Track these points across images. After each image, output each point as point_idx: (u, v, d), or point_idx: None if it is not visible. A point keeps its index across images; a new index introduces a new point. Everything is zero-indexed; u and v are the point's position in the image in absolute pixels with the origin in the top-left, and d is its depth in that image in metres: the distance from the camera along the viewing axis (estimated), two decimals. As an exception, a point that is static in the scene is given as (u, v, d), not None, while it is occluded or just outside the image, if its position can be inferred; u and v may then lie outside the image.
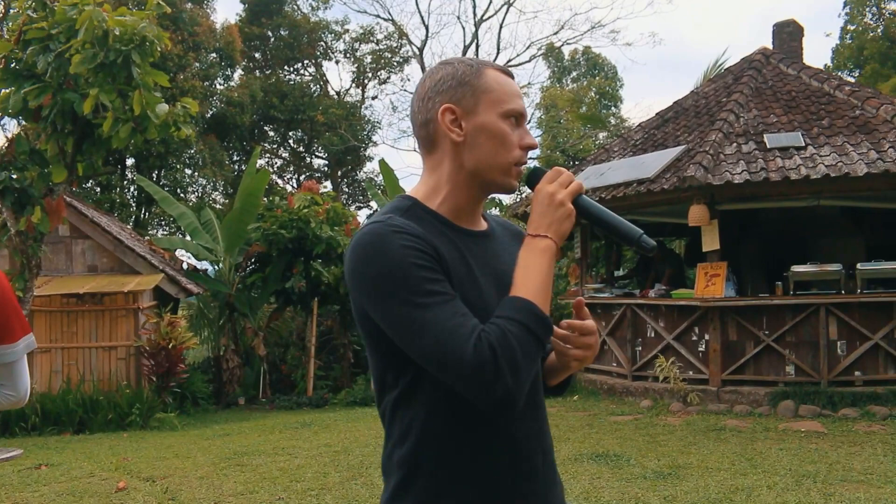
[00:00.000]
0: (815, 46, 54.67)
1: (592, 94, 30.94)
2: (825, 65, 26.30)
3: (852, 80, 20.64)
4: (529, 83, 29.67)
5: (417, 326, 1.36)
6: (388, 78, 28.61)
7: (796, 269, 8.96)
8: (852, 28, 27.52)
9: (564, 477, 6.08)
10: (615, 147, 12.30)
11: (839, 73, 23.57)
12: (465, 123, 1.52)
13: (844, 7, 27.71)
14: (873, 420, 7.85)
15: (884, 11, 27.47)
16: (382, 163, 17.31)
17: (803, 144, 9.23)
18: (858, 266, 8.90)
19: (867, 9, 27.53)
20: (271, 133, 26.88)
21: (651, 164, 9.96)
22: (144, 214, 22.78)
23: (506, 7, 29.43)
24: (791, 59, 12.08)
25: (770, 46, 12.71)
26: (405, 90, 47.85)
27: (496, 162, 1.53)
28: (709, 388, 9.07)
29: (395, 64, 28.26)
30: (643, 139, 11.68)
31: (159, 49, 8.35)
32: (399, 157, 49.49)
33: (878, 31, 27.07)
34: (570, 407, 9.86)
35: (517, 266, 1.47)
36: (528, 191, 2.24)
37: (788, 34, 12.89)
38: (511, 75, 1.59)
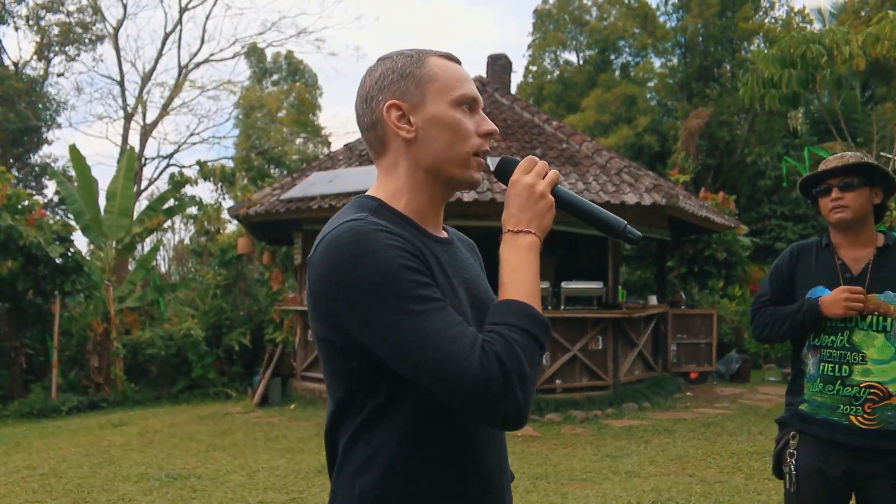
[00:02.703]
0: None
1: (292, 99, 30.83)
2: (511, 99, 28.90)
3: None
4: (230, 81, 28.98)
5: (411, 337, 1.21)
6: (78, 55, 25.89)
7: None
8: (534, 69, 30.56)
9: (310, 492, 5.92)
10: (340, 156, 12.33)
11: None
12: (413, 118, 1.41)
13: (528, 49, 30.72)
14: (575, 423, 8.70)
15: (559, 59, 30.93)
16: (73, 148, 15.57)
17: (522, 170, 9.99)
18: (563, 284, 9.86)
19: (546, 54, 30.78)
20: (-73, 101, 22.96)
21: (381, 175, 10.11)
22: None
23: (213, -1, 28.30)
24: (503, 90, 13.07)
25: (483, 75, 13.63)
26: (95, 70, 44.04)
27: (453, 154, 1.41)
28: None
29: (86, 41, 25.66)
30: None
31: None
32: (88, 143, 44.81)
33: (555, 74, 30.40)
34: (289, 417, 9.66)
35: (502, 266, 1.36)
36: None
37: (501, 66, 13.94)
38: (458, 61, 1.48)
